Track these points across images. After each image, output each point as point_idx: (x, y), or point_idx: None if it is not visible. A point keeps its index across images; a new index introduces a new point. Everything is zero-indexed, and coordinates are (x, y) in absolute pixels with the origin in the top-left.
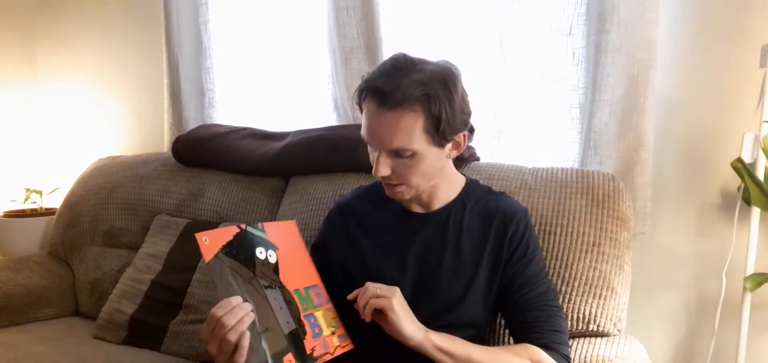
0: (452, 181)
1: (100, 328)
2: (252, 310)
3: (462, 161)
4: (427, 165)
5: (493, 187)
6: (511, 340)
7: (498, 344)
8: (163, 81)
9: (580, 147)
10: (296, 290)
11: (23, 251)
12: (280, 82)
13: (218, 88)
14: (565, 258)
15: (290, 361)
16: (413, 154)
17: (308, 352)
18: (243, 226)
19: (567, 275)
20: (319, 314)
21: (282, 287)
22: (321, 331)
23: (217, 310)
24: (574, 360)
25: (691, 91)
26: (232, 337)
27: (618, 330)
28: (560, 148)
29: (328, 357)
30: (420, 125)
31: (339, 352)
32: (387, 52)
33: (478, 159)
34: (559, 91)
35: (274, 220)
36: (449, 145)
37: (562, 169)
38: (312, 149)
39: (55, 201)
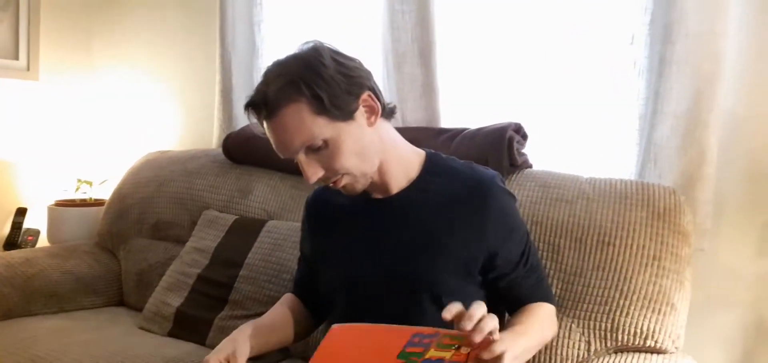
0: (404, 157)
1: (146, 320)
2: None
3: (515, 168)
4: (349, 144)
5: (550, 195)
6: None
7: None
8: (214, 78)
9: (639, 159)
10: None
11: (72, 240)
12: None
13: None
14: (624, 271)
15: None
16: (325, 143)
17: None
18: None
19: (626, 288)
20: (432, 352)
21: None
22: (442, 361)
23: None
24: None
25: (758, 105)
26: None
27: (676, 347)
28: (617, 159)
29: None
30: (306, 112)
31: (473, 356)
32: (441, 58)
33: (531, 166)
34: (618, 102)
35: None
36: (359, 113)
37: (622, 180)
38: None
39: (104, 192)
